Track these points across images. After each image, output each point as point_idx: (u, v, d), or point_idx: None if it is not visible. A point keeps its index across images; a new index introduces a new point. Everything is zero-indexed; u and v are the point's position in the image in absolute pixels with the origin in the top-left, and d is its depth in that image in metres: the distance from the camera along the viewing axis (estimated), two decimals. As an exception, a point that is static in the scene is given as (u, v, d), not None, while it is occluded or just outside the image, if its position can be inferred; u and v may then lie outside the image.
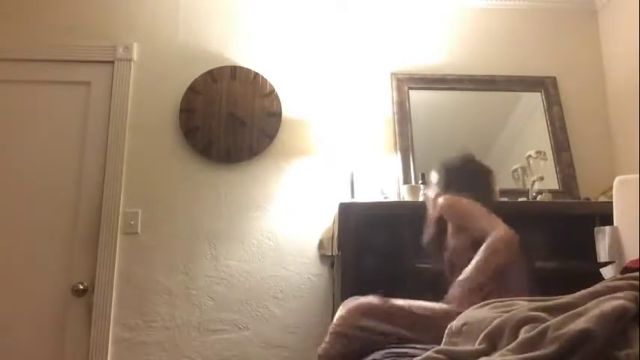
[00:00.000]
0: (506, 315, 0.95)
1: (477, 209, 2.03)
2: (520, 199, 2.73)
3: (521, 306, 0.98)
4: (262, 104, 2.95)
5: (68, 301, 2.70)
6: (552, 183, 2.89)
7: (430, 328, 1.67)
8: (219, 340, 2.71)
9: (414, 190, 2.68)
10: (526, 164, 2.87)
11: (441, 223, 2.17)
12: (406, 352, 1.48)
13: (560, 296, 0.99)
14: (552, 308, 0.93)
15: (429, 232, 2.23)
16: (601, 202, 2.62)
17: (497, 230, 1.90)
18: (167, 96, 2.95)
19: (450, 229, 2.15)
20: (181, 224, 2.82)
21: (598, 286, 1.00)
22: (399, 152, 2.92)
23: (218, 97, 2.94)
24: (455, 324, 1.07)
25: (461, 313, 1.45)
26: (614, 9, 3.10)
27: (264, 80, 2.98)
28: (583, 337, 0.81)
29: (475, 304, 1.49)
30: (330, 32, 3.10)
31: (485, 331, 0.94)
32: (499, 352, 0.87)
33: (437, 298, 2.52)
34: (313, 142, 2.91)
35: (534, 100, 3.10)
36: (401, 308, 1.82)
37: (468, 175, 2.27)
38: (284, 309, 2.76)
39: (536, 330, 0.85)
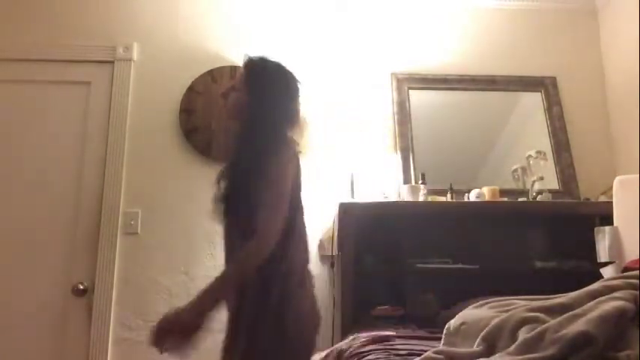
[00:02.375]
0: (504, 315, 0.94)
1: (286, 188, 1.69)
2: (520, 199, 2.73)
3: (520, 306, 0.98)
4: (262, 104, 2.94)
5: (68, 301, 2.70)
6: (552, 183, 2.89)
7: None
8: (219, 340, 2.70)
9: (414, 190, 2.68)
10: (526, 164, 2.87)
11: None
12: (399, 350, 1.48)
13: (558, 295, 0.99)
14: (551, 308, 0.92)
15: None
16: (601, 202, 2.62)
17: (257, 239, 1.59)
18: (167, 96, 2.95)
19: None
20: (181, 224, 2.82)
21: (596, 286, 0.99)
22: (399, 152, 2.92)
23: (218, 97, 2.93)
24: (453, 323, 1.07)
25: None
26: (614, 9, 3.10)
27: (264, 80, 2.97)
28: (583, 339, 0.80)
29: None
30: (330, 32, 3.10)
31: (484, 332, 0.93)
32: (498, 355, 0.87)
33: (437, 297, 2.53)
34: (313, 142, 2.90)
35: (534, 100, 3.10)
36: None
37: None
38: (284, 309, 2.75)
39: (535, 332, 0.85)
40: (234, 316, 1.76)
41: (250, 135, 1.76)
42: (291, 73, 1.91)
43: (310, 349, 1.72)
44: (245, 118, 1.80)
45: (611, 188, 2.37)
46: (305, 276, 1.76)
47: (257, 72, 1.85)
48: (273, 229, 1.59)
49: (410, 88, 3.04)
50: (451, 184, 2.73)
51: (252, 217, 1.62)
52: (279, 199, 1.66)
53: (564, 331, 0.82)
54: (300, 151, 1.88)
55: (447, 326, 1.14)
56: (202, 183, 2.87)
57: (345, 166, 2.81)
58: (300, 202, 1.82)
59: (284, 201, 1.67)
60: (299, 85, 1.93)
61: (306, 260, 1.81)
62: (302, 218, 1.81)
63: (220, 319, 2.70)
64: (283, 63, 1.93)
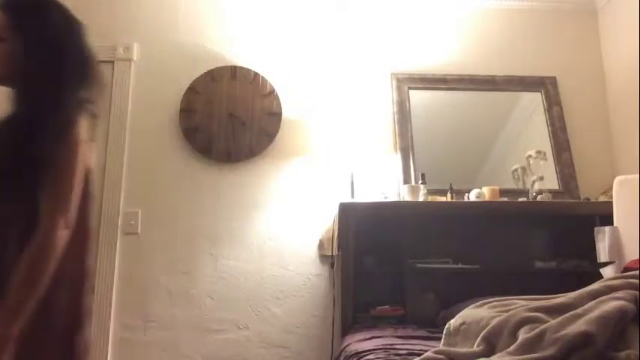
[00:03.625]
0: (504, 315, 0.94)
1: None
2: (520, 199, 2.73)
3: (520, 305, 0.97)
4: (262, 104, 2.94)
5: (68, 301, 2.69)
6: (552, 183, 2.89)
7: None
8: (219, 340, 2.71)
9: (414, 190, 2.68)
10: (526, 164, 2.87)
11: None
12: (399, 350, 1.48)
13: (558, 295, 0.99)
14: (551, 308, 0.92)
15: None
16: (601, 202, 2.62)
17: (51, 226, 1.22)
18: (167, 96, 2.95)
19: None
20: (181, 224, 2.82)
21: (596, 286, 0.99)
22: (399, 152, 2.92)
23: (218, 97, 2.94)
24: (453, 323, 1.07)
25: None
26: (614, 9, 3.09)
27: (264, 80, 2.98)
28: (582, 339, 0.80)
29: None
30: (330, 32, 3.10)
31: (484, 332, 0.93)
32: (498, 354, 0.87)
33: (437, 297, 2.53)
34: (313, 142, 2.91)
35: (534, 100, 3.10)
36: None
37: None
38: (284, 309, 2.76)
39: (535, 332, 0.85)
40: None
41: (36, 93, 1.33)
42: (64, 7, 1.50)
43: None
44: (22, 72, 1.35)
45: (611, 188, 2.37)
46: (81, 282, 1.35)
47: (23, 11, 1.40)
48: (61, 229, 1.24)
49: (410, 88, 3.04)
50: (451, 184, 2.73)
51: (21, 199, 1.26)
52: (69, 187, 1.28)
53: (564, 331, 0.82)
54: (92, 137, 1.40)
55: (447, 326, 1.14)
56: (202, 183, 2.87)
57: (345, 166, 2.81)
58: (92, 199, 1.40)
59: (73, 190, 1.28)
60: (82, 26, 1.51)
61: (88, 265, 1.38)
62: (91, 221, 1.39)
63: (222, 318, 2.72)
64: None
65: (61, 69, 1.35)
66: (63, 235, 1.24)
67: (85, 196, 1.35)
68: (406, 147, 2.93)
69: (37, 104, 1.31)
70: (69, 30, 1.45)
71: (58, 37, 1.39)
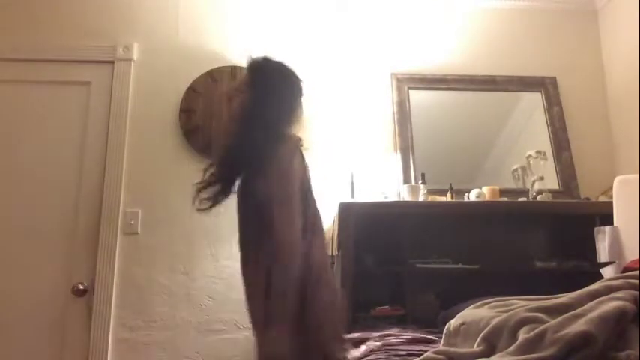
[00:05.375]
0: (504, 315, 0.94)
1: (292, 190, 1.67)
2: (520, 199, 2.73)
3: (520, 305, 0.97)
4: (262, 104, 2.94)
5: (68, 301, 2.70)
6: (552, 183, 2.89)
7: None
8: (219, 340, 2.71)
9: (414, 190, 2.68)
10: (526, 164, 2.87)
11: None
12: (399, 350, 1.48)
13: (558, 295, 0.99)
14: (551, 308, 0.92)
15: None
16: (601, 202, 2.62)
17: (280, 241, 1.57)
18: (167, 96, 2.95)
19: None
20: (181, 224, 2.82)
21: (596, 286, 0.99)
22: (399, 152, 2.92)
23: (218, 97, 2.94)
24: (453, 323, 1.07)
25: None
26: (614, 9, 3.10)
27: (264, 80, 2.97)
28: (583, 339, 0.80)
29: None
30: (330, 32, 3.10)
31: (484, 332, 0.93)
32: (498, 354, 0.87)
33: (437, 297, 2.53)
34: (313, 142, 2.90)
35: (534, 100, 3.10)
36: None
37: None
38: (284, 309, 2.75)
39: (535, 331, 0.85)
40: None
41: (250, 132, 1.74)
42: (293, 72, 1.95)
43: (332, 345, 1.66)
44: (246, 117, 1.80)
45: (611, 188, 2.37)
46: (322, 272, 1.72)
47: (260, 73, 1.88)
48: (293, 238, 1.57)
49: (410, 88, 3.04)
50: (451, 184, 2.73)
51: (261, 215, 1.61)
52: (290, 202, 1.63)
53: (564, 331, 0.82)
54: (302, 145, 1.88)
55: (447, 326, 1.14)
56: (202, 183, 2.87)
57: (345, 165, 2.81)
58: (312, 196, 1.80)
59: (295, 201, 1.64)
60: (301, 84, 1.96)
61: (324, 255, 1.77)
62: (316, 212, 1.77)
63: (222, 318, 2.72)
64: (286, 62, 1.96)
65: (276, 113, 1.80)
66: (294, 242, 1.55)
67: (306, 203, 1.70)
68: (406, 147, 2.93)
69: (256, 142, 1.70)
70: (284, 85, 1.89)
71: (278, 91, 1.85)
